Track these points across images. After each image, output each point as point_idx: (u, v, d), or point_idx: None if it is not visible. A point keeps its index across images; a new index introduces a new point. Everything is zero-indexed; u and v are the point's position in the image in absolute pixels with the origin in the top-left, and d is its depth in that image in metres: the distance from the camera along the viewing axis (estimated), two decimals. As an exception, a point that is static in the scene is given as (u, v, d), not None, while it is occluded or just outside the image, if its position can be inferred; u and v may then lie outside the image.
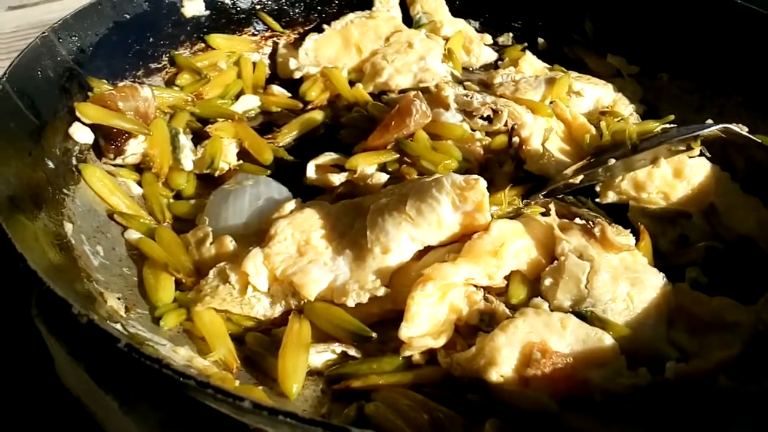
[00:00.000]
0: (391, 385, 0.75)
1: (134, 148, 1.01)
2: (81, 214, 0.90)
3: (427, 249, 0.86)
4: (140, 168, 1.03)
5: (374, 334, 0.79)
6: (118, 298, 0.79)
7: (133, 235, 0.92)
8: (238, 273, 0.83)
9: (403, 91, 1.21)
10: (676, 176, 0.99)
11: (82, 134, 0.99)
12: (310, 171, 1.03)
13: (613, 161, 0.96)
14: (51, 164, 0.91)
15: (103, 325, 0.60)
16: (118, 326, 0.72)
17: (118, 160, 1.01)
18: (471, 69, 1.36)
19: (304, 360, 0.76)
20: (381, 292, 0.81)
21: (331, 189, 1.01)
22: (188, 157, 1.04)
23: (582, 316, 0.77)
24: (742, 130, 0.98)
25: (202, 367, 0.73)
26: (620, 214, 0.99)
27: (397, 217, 0.84)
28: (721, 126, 0.98)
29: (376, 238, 0.84)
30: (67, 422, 0.94)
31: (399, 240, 0.83)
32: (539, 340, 0.72)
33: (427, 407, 0.71)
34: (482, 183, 0.84)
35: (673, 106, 1.22)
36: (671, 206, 0.98)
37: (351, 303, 0.80)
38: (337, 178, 1.01)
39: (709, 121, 1.02)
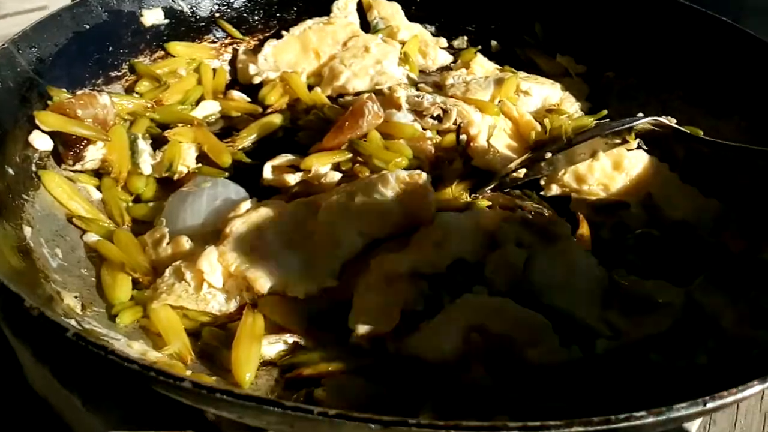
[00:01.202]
0: (339, 372, 0.78)
1: (93, 154, 1.04)
2: (40, 219, 0.93)
3: (376, 242, 0.90)
4: (99, 173, 1.06)
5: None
6: (75, 297, 0.82)
7: (92, 237, 0.95)
8: (193, 271, 0.86)
9: (359, 94, 1.24)
10: (615, 168, 1.05)
11: (41, 142, 1.01)
12: (267, 172, 1.06)
13: (549, 155, 1.01)
14: (11, 171, 0.93)
15: (53, 317, 0.63)
16: (73, 322, 0.75)
17: (78, 166, 1.04)
18: (428, 71, 1.40)
19: (256, 350, 0.79)
20: (331, 283, 0.84)
21: (287, 189, 1.05)
22: (147, 162, 1.07)
23: (519, 299, 0.81)
24: (670, 122, 1.03)
25: (155, 359, 0.76)
26: (564, 205, 1.04)
27: (345, 213, 0.88)
28: (651, 119, 1.03)
29: (327, 233, 0.88)
30: (37, 424, 0.97)
31: (348, 234, 0.87)
32: (478, 323, 0.76)
33: (371, 390, 0.75)
34: (425, 178, 0.88)
35: (619, 102, 1.27)
36: (610, 197, 1.03)
37: (302, 295, 0.84)
38: (293, 178, 1.05)
39: (640, 114, 1.07)
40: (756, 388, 0.59)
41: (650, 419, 0.53)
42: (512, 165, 1.03)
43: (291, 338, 0.83)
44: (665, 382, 0.77)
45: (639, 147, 1.07)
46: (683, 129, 1.03)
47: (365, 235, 0.88)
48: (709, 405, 0.56)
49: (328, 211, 0.89)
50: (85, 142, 1.03)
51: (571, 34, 1.38)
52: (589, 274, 0.85)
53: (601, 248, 0.95)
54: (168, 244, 0.92)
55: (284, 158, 1.09)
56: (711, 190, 1.06)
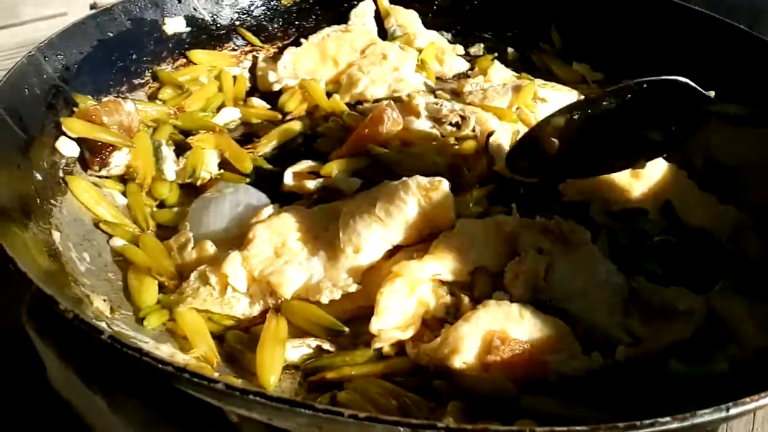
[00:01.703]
0: (362, 376, 0.79)
1: (118, 160, 1.06)
2: (68, 223, 0.94)
3: (398, 248, 0.91)
4: (124, 179, 1.07)
5: (347, 329, 0.84)
6: (104, 300, 0.84)
7: (118, 242, 0.96)
8: (218, 275, 0.88)
9: (377, 101, 1.26)
10: (634, 176, 1.05)
11: (68, 148, 1.03)
12: (288, 178, 1.08)
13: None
14: (39, 176, 0.95)
15: (88, 319, 0.65)
16: (103, 324, 0.76)
17: (103, 172, 1.06)
18: (444, 78, 1.41)
19: (280, 354, 0.81)
20: (353, 288, 0.85)
21: (308, 195, 1.06)
22: (171, 168, 1.09)
23: (540, 306, 0.82)
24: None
25: (183, 362, 0.77)
26: (582, 212, 1.04)
27: (367, 219, 0.89)
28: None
29: (348, 239, 0.89)
30: (60, 426, 0.98)
31: (370, 240, 0.88)
32: (499, 329, 0.77)
33: (395, 394, 0.76)
34: (445, 184, 0.89)
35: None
36: (629, 204, 1.03)
37: (325, 300, 0.85)
38: (313, 184, 1.06)
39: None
40: (777, 395, 0.59)
41: (674, 425, 0.54)
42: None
43: (314, 342, 0.84)
44: (686, 389, 0.77)
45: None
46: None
47: (387, 241, 0.89)
48: (732, 411, 0.56)
49: (349, 217, 0.90)
50: (111, 148, 1.05)
51: (588, 42, 1.39)
52: (610, 281, 0.86)
53: (619, 255, 0.95)
54: (193, 248, 0.94)
55: (305, 164, 1.10)
56: (728, 197, 1.06)
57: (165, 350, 0.79)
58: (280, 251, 0.90)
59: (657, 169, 1.06)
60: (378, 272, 0.88)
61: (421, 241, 0.91)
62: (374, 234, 0.89)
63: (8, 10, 1.75)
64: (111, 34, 1.20)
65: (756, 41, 1.18)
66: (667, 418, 0.54)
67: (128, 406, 0.84)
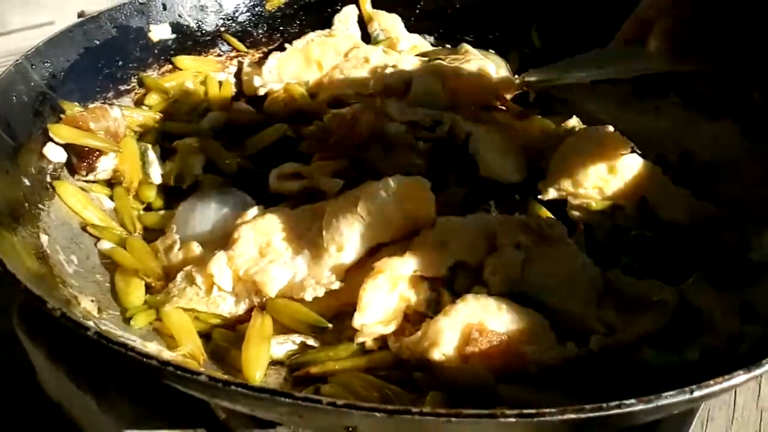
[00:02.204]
0: (346, 370, 0.82)
1: (105, 165, 1.08)
2: (56, 227, 0.97)
3: (380, 246, 0.93)
4: (111, 183, 1.10)
5: (330, 325, 0.86)
6: (92, 301, 0.85)
7: (106, 245, 0.98)
8: (203, 275, 0.90)
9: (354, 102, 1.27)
10: (610, 172, 1.07)
11: (55, 153, 1.05)
12: (273, 180, 1.10)
13: None
14: (27, 182, 0.97)
15: (75, 317, 0.67)
16: (91, 324, 0.78)
17: (90, 177, 1.08)
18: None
19: (266, 350, 0.83)
20: (335, 286, 0.88)
21: (292, 196, 1.08)
22: (157, 172, 1.11)
23: (517, 299, 0.84)
24: None
25: (170, 358, 0.79)
26: (560, 209, 1.07)
27: (349, 218, 0.91)
28: None
29: (332, 238, 0.91)
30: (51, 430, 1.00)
31: (352, 238, 0.91)
32: (477, 321, 0.79)
33: (377, 386, 0.78)
34: (425, 183, 0.92)
35: (616, 108, 1.31)
36: (605, 200, 1.06)
37: (308, 297, 0.87)
38: (297, 186, 1.08)
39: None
40: (741, 377, 0.62)
41: (640, 407, 0.56)
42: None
43: (299, 338, 0.86)
44: (660, 377, 0.79)
45: (633, 151, 1.11)
46: None
47: (369, 239, 0.92)
48: (696, 393, 0.59)
49: (332, 216, 0.93)
50: (98, 153, 1.07)
51: (568, 42, 1.41)
52: (585, 274, 0.88)
53: (596, 250, 0.98)
54: (179, 250, 0.96)
55: (289, 167, 1.12)
56: (703, 192, 1.08)
57: (152, 348, 0.81)
58: (265, 251, 0.92)
59: (632, 166, 1.08)
60: (361, 270, 0.90)
61: (403, 238, 0.93)
62: (356, 232, 0.91)
63: (-4, 19, 1.77)
64: (97, 42, 1.22)
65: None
66: (632, 400, 0.56)
67: (118, 405, 0.85)
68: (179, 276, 0.92)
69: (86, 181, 1.08)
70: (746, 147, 1.11)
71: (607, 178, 1.07)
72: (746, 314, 0.85)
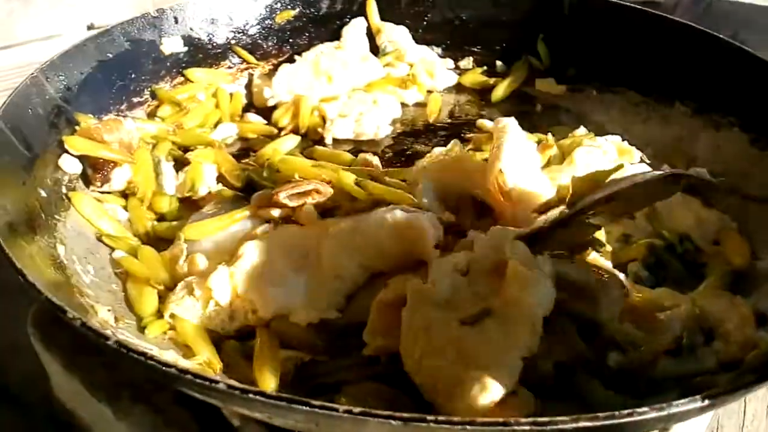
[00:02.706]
0: (357, 379, 0.82)
1: (120, 176, 1.09)
2: (72, 237, 0.98)
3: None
4: (125, 194, 1.11)
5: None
6: (108, 310, 0.87)
7: (119, 254, 1.00)
8: (202, 287, 0.90)
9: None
10: (619, 182, 1.09)
11: (70, 165, 1.07)
12: (252, 205, 1.07)
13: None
14: (43, 193, 0.99)
15: (95, 327, 0.68)
16: (109, 332, 0.79)
17: (105, 188, 1.09)
18: (434, 92, 1.46)
19: (276, 365, 0.83)
20: (332, 316, 0.89)
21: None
22: (170, 183, 1.13)
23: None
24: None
25: (188, 366, 0.80)
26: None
27: (349, 248, 0.93)
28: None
29: (331, 266, 0.92)
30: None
31: (349, 268, 0.92)
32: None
33: (390, 395, 0.79)
34: (424, 221, 0.92)
35: (621, 117, 1.33)
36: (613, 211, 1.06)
37: (303, 323, 0.88)
38: (277, 214, 1.04)
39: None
40: (752, 385, 0.62)
41: (652, 414, 0.57)
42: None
43: (307, 357, 0.87)
44: (677, 385, 0.80)
45: (642, 161, 1.12)
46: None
47: (366, 269, 0.93)
48: (707, 402, 0.59)
49: (333, 243, 0.93)
50: (112, 164, 1.08)
51: (574, 53, 1.42)
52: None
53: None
54: (184, 261, 0.97)
55: (264, 195, 1.08)
56: (710, 201, 1.09)
57: (168, 357, 0.82)
58: (266, 270, 0.92)
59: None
60: (364, 292, 0.92)
61: (405, 269, 0.92)
62: (354, 261, 0.92)
63: (5, 31, 1.79)
64: (110, 55, 1.23)
65: (740, 52, 1.21)
66: (645, 408, 0.57)
67: (134, 413, 0.86)
68: (179, 285, 0.92)
69: (101, 192, 1.09)
70: (754, 156, 1.12)
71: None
72: (759, 320, 0.86)
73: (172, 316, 0.91)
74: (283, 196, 1.01)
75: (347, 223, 0.97)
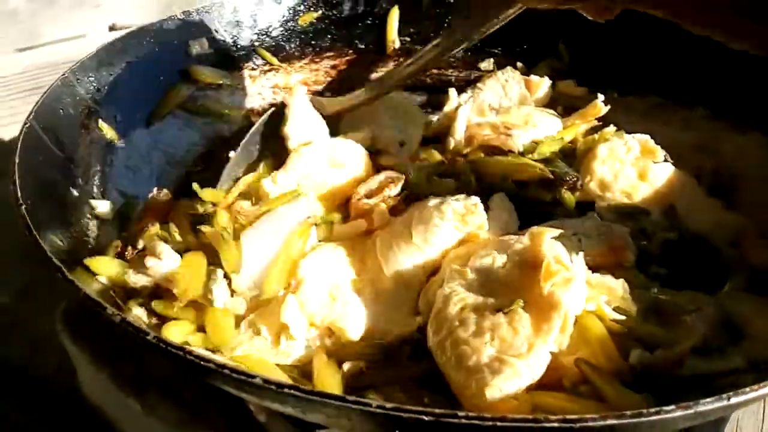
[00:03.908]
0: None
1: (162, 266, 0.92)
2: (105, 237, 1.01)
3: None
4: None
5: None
6: (140, 305, 0.89)
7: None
8: (268, 323, 0.87)
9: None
10: (640, 178, 1.10)
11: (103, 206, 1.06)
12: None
13: None
14: (75, 192, 1.02)
15: (134, 321, 0.70)
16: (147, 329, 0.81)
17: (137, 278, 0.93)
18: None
19: (338, 381, 0.82)
20: (415, 323, 0.88)
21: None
22: (222, 293, 0.92)
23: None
24: None
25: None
26: (587, 210, 1.08)
27: (405, 249, 0.93)
28: None
29: (394, 274, 0.93)
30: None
31: (412, 272, 0.93)
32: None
33: (417, 392, 0.80)
34: (480, 207, 0.94)
35: (641, 120, 1.33)
36: (633, 204, 1.08)
37: (394, 338, 0.87)
38: None
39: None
40: (776, 385, 0.63)
41: (678, 413, 0.58)
42: None
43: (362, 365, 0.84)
44: (703, 385, 0.79)
45: (666, 160, 1.13)
46: None
47: (427, 269, 0.93)
48: (733, 400, 0.60)
49: (386, 248, 0.94)
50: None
51: (595, 55, 1.43)
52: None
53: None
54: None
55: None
56: (735, 204, 1.10)
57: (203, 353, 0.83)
58: (336, 294, 0.91)
59: (663, 173, 1.10)
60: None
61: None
62: (414, 260, 0.93)
63: (30, 32, 1.82)
64: (138, 57, 1.25)
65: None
66: (672, 407, 0.58)
67: (161, 408, 0.88)
68: (243, 325, 0.88)
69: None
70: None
71: (636, 184, 1.09)
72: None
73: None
74: (360, 194, 1.01)
75: (397, 223, 0.97)
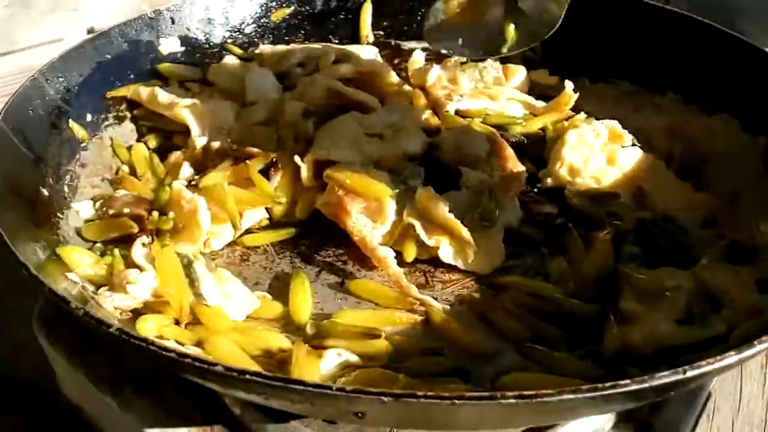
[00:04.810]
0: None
1: (142, 285, 0.90)
2: (74, 236, 1.01)
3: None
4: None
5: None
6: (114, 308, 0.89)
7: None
8: None
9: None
10: (609, 163, 1.12)
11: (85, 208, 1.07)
12: None
13: None
14: (45, 192, 1.02)
15: (97, 314, 0.70)
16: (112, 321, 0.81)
17: (123, 302, 0.89)
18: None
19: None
20: None
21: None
22: (210, 289, 0.91)
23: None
24: None
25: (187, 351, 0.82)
26: (558, 196, 1.12)
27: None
28: None
29: None
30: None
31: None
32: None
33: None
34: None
35: (615, 108, 1.34)
36: (602, 188, 1.10)
37: None
38: None
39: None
40: (732, 358, 0.64)
41: (633, 387, 0.59)
42: None
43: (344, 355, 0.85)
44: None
45: (633, 144, 1.14)
46: None
47: None
48: (689, 374, 0.61)
49: None
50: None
51: (568, 45, 1.43)
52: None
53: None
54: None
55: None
56: (705, 185, 1.12)
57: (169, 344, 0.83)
58: None
59: (631, 157, 1.12)
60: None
61: None
62: None
63: (6, 36, 1.81)
64: (109, 56, 1.25)
65: (732, 39, 1.23)
66: (627, 381, 0.59)
67: (137, 405, 0.88)
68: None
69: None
70: (745, 141, 1.14)
71: (605, 168, 1.12)
72: (761, 288, 0.89)
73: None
74: None
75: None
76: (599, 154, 1.12)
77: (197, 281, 0.90)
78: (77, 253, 0.94)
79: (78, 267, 0.92)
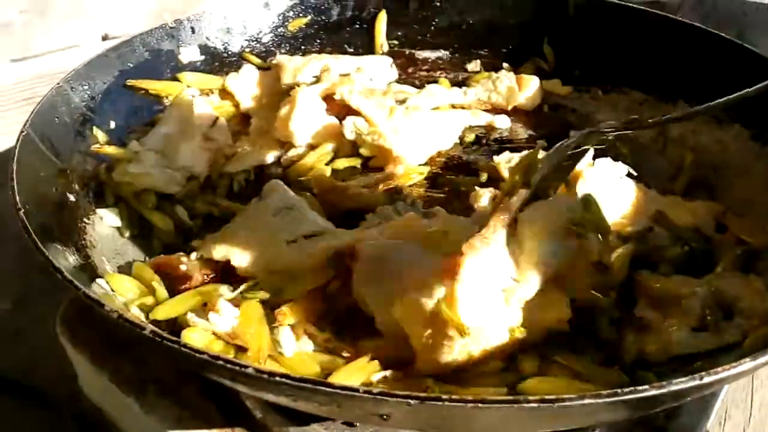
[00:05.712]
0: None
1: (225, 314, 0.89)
2: (101, 239, 1.03)
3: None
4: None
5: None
6: (138, 307, 0.91)
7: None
8: None
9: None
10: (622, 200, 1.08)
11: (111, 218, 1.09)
12: None
13: None
14: (72, 198, 1.04)
15: (131, 318, 0.72)
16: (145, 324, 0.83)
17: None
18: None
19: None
20: None
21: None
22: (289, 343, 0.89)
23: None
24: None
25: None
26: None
27: None
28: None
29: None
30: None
31: None
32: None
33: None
34: None
35: (626, 116, 1.35)
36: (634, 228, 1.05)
37: None
38: None
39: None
40: (747, 365, 0.66)
41: (652, 392, 0.60)
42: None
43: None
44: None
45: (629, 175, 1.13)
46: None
47: None
48: (706, 380, 0.63)
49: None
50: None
51: (581, 54, 1.46)
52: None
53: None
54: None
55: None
56: (715, 194, 1.13)
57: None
58: None
59: (630, 192, 1.10)
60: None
61: None
62: None
63: (22, 42, 1.83)
64: (131, 65, 1.28)
65: (741, 50, 1.24)
66: (646, 386, 0.60)
67: (160, 407, 0.90)
68: None
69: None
70: (756, 151, 1.15)
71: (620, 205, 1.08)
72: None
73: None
74: None
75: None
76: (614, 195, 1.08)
77: (276, 329, 0.89)
78: (127, 282, 0.95)
79: (123, 296, 0.93)
